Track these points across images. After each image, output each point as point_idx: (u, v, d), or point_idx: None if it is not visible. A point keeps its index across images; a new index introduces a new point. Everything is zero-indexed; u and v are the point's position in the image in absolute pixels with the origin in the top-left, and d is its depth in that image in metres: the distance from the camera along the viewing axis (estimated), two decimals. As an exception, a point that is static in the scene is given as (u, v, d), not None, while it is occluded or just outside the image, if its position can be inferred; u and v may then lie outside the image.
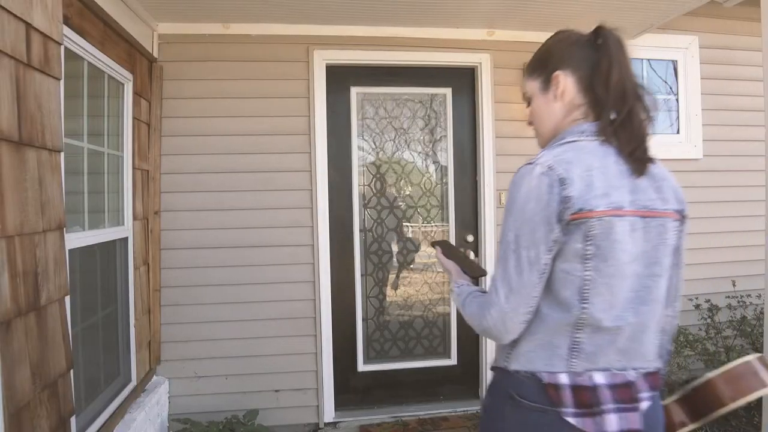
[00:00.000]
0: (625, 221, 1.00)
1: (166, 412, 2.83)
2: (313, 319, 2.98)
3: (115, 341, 2.43)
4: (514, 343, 1.07)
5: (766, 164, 2.05)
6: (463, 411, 3.08)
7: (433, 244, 1.46)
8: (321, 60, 3.00)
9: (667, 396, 1.21)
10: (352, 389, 3.13)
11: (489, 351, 3.12)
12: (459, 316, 3.22)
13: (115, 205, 2.47)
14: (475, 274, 1.27)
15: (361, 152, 3.17)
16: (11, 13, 1.44)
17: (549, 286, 1.03)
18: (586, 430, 0.99)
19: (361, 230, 3.17)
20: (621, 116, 1.07)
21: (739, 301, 3.19)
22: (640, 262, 1.03)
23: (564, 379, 1.02)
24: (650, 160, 1.06)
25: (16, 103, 1.47)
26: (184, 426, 2.67)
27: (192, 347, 2.89)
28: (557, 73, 1.18)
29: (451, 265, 1.31)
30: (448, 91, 3.21)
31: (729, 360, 3.05)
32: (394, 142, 3.23)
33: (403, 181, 3.22)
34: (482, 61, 3.13)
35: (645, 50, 3.36)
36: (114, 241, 2.40)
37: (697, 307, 3.22)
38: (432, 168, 3.26)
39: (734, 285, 3.25)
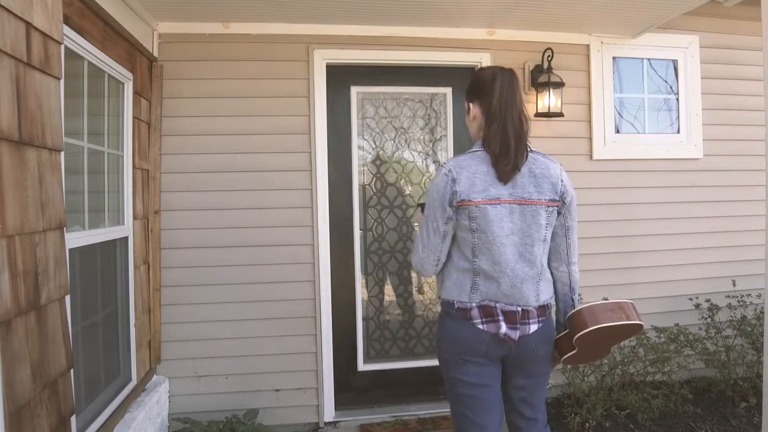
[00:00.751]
0: (501, 208, 1.54)
1: (167, 411, 2.83)
2: (313, 318, 2.98)
3: (116, 340, 2.43)
4: (442, 282, 1.69)
5: (767, 164, 2.05)
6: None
7: (419, 205, 1.81)
8: (321, 59, 3.00)
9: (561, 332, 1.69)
10: (353, 388, 3.13)
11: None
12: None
13: (115, 204, 2.47)
14: None
15: (361, 152, 3.17)
16: (11, 12, 1.44)
17: (458, 246, 1.63)
18: (491, 331, 1.58)
19: (361, 229, 3.17)
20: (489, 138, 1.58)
21: (739, 301, 3.18)
22: (518, 234, 1.56)
23: (473, 305, 1.60)
24: (514, 171, 1.54)
25: (16, 102, 1.47)
26: (185, 425, 2.68)
27: (192, 346, 2.89)
28: (468, 104, 1.70)
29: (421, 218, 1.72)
30: (448, 91, 3.21)
31: (729, 360, 3.07)
32: (395, 141, 3.23)
33: (403, 180, 3.22)
34: (482, 61, 3.13)
35: (645, 50, 3.36)
36: (114, 241, 2.40)
37: (697, 306, 3.22)
38: (432, 167, 3.26)
39: (734, 284, 3.25)
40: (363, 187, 3.17)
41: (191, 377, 2.89)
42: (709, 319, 3.14)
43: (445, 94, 3.22)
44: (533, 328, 1.61)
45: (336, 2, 2.68)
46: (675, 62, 3.42)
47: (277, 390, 2.95)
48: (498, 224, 1.54)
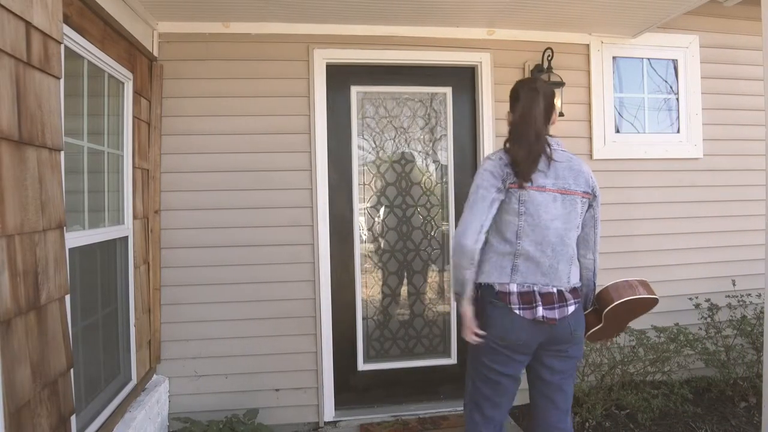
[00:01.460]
0: (547, 194, 1.75)
1: (167, 411, 2.83)
2: (313, 318, 2.98)
3: (116, 340, 2.43)
4: (480, 266, 1.78)
5: (767, 163, 2.05)
6: (464, 410, 3.08)
7: None
8: (321, 59, 3.00)
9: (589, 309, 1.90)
10: (352, 388, 3.13)
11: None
12: (459, 314, 3.21)
13: (115, 204, 2.47)
14: None
15: (361, 151, 3.17)
16: (11, 12, 1.44)
17: (498, 230, 1.77)
18: (527, 317, 1.72)
19: (360, 229, 3.17)
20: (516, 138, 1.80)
21: (739, 301, 3.19)
22: (560, 220, 1.76)
23: (513, 288, 1.74)
24: (536, 166, 1.75)
25: (16, 102, 1.47)
26: (185, 425, 2.68)
27: (192, 346, 2.89)
28: (508, 111, 1.92)
29: None
30: (448, 90, 3.21)
31: (729, 359, 3.07)
32: (395, 141, 3.23)
33: (403, 180, 3.22)
34: (482, 60, 3.13)
35: (645, 49, 3.36)
36: (114, 240, 2.40)
37: (697, 306, 3.22)
38: (432, 167, 3.26)
39: (734, 284, 3.25)
40: (363, 187, 3.17)
41: (191, 377, 2.89)
42: (708, 319, 3.14)
43: (445, 94, 3.22)
44: (571, 309, 1.77)
45: (336, 2, 2.68)
46: (675, 62, 3.42)
47: (277, 389, 2.95)
48: (544, 209, 1.74)
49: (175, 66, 2.89)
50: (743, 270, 3.35)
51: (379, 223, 3.21)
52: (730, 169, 3.44)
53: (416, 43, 3.08)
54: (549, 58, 3.05)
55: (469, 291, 1.76)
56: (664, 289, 3.33)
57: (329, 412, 3.01)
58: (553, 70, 3.04)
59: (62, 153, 1.75)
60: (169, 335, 2.88)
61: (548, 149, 1.78)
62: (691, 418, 2.91)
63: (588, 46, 3.26)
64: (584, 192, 1.81)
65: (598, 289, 1.86)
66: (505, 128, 3.10)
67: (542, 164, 1.75)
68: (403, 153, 3.23)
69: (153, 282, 2.79)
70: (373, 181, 3.19)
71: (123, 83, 2.49)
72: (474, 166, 3.20)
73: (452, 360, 3.22)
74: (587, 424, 2.79)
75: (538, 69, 3.12)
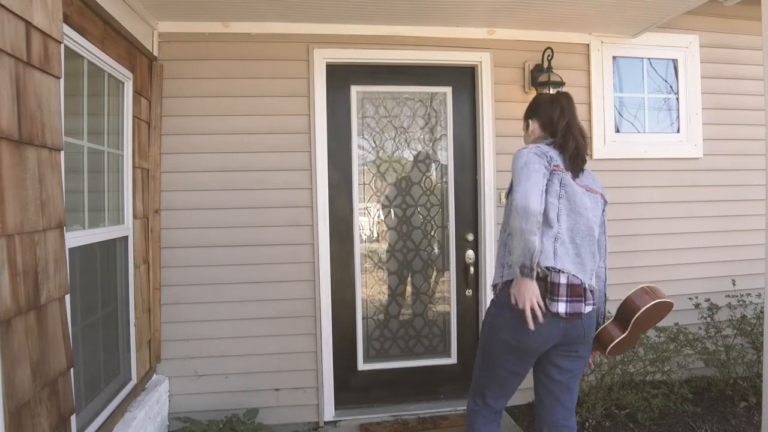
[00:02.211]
0: (578, 187, 1.80)
1: (167, 410, 2.83)
2: (313, 317, 2.98)
3: (115, 340, 2.44)
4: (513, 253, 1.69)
5: (767, 163, 2.05)
6: (464, 410, 3.05)
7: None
8: (321, 59, 3.00)
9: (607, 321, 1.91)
10: (352, 388, 3.13)
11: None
12: (459, 314, 3.22)
13: (115, 203, 2.47)
14: None
15: (361, 151, 3.17)
16: (11, 11, 1.44)
17: (544, 213, 1.72)
18: (551, 310, 1.70)
19: (360, 229, 3.17)
20: (560, 141, 1.86)
21: (739, 300, 3.19)
22: (591, 212, 1.81)
23: (565, 279, 1.71)
24: (583, 165, 1.84)
25: (16, 101, 1.47)
26: (185, 425, 2.68)
27: (192, 346, 2.89)
28: (529, 120, 2.02)
29: None
30: (448, 90, 3.21)
31: (729, 359, 3.07)
32: (394, 140, 3.23)
33: (403, 180, 3.22)
34: (482, 60, 3.13)
35: (645, 49, 3.36)
36: (114, 240, 2.40)
37: (697, 306, 3.22)
38: (432, 167, 3.26)
39: (734, 284, 3.25)
40: (363, 187, 3.17)
41: (191, 376, 2.89)
42: (708, 319, 3.14)
43: (445, 94, 3.21)
44: (588, 309, 1.77)
45: (336, 1, 2.68)
46: (675, 62, 3.42)
47: (277, 389, 2.95)
48: (580, 196, 1.80)
49: (175, 66, 2.89)
50: (743, 270, 3.35)
51: (379, 222, 3.21)
52: (730, 169, 3.44)
53: (416, 43, 3.08)
54: (549, 58, 3.05)
55: (536, 261, 1.64)
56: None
57: (329, 412, 3.01)
58: (553, 70, 3.04)
59: (62, 153, 1.75)
60: (169, 335, 2.88)
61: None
62: (691, 417, 2.91)
63: (588, 45, 3.25)
64: (601, 194, 1.89)
65: (615, 301, 1.88)
66: (505, 128, 3.16)
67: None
68: (403, 153, 3.23)
69: (153, 282, 2.79)
70: (373, 181, 3.19)
71: (123, 83, 2.49)
72: (474, 166, 3.20)
73: (452, 360, 3.22)
74: (587, 423, 2.79)
75: (538, 69, 3.12)
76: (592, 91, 3.26)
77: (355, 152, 3.13)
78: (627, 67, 3.39)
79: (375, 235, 3.22)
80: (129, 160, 2.54)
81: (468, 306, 3.22)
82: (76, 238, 1.97)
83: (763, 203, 2.20)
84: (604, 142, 3.27)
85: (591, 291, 1.79)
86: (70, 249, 1.84)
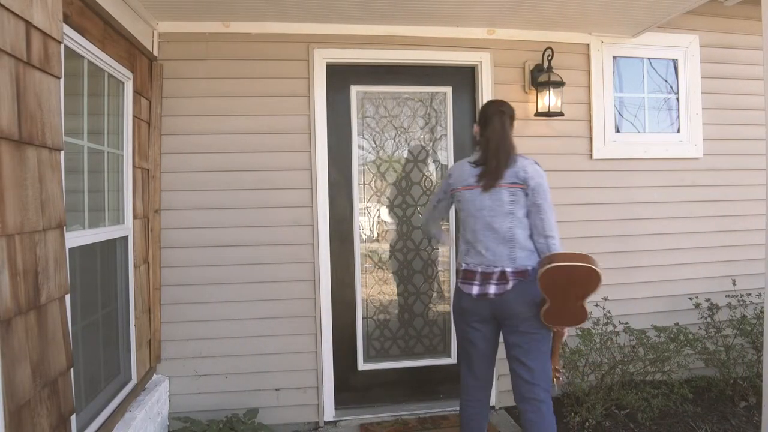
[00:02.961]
0: (474, 190, 2.09)
1: (167, 410, 2.83)
2: (314, 317, 2.98)
3: (116, 340, 2.44)
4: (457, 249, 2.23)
5: (767, 163, 2.05)
6: (463, 410, 3.08)
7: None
8: (321, 59, 3.00)
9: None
10: (352, 388, 3.13)
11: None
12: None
13: (115, 203, 2.47)
14: None
15: (361, 151, 3.17)
16: (11, 11, 1.44)
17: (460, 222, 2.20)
18: (465, 291, 2.11)
19: (361, 229, 3.17)
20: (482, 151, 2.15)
21: (739, 300, 3.18)
22: (487, 211, 2.06)
23: (461, 266, 2.16)
24: (497, 180, 2.05)
25: (16, 101, 1.47)
26: (185, 424, 2.68)
27: (192, 346, 2.89)
28: (474, 125, 2.28)
29: None
30: (448, 90, 3.21)
31: (729, 359, 3.07)
32: (395, 140, 3.23)
33: (403, 179, 3.22)
34: (482, 60, 3.13)
35: (645, 49, 3.36)
36: (114, 240, 2.40)
37: (697, 306, 3.22)
38: (432, 166, 3.26)
39: (734, 284, 3.25)
40: (363, 186, 3.17)
41: (191, 376, 2.89)
42: (708, 319, 3.14)
43: (445, 94, 3.21)
44: (509, 286, 2.01)
45: (336, 2, 2.68)
46: (675, 62, 3.42)
47: (277, 389, 2.95)
48: (469, 203, 2.11)
49: (175, 66, 2.89)
50: (743, 270, 3.35)
51: (379, 222, 3.21)
52: (730, 169, 3.44)
53: (416, 43, 3.08)
54: (549, 58, 3.05)
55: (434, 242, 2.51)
56: (664, 289, 3.35)
57: (329, 412, 3.01)
58: (553, 70, 3.04)
59: (62, 152, 1.74)
60: (169, 335, 2.88)
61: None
62: (691, 417, 2.91)
63: (588, 45, 3.25)
64: (511, 183, 2.04)
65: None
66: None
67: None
68: (403, 153, 3.23)
69: (153, 281, 2.79)
70: (373, 181, 3.19)
71: (123, 83, 2.49)
72: (474, 166, 3.20)
73: (452, 359, 3.22)
74: (587, 423, 2.79)
75: (538, 69, 3.12)
76: (592, 91, 3.26)
77: (355, 152, 3.13)
78: (627, 67, 3.39)
79: (375, 235, 3.22)
80: (129, 160, 2.54)
81: (468, 306, 3.21)
82: (76, 238, 1.97)
83: (763, 203, 2.20)
84: (604, 142, 3.27)
85: (514, 271, 2.01)
86: (70, 249, 1.84)
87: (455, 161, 3.21)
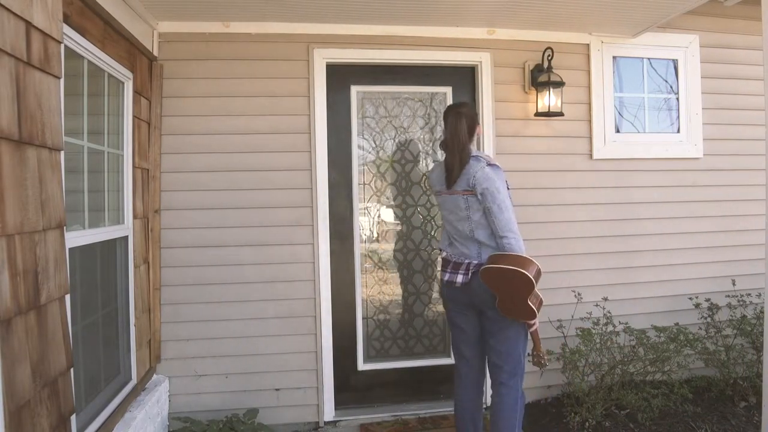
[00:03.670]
0: (444, 195, 2.31)
1: (167, 410, 2.83)
2: (313, 318, 2.98)
3: (116, 340, 2.44)
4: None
5: (767, 163, 2.05)
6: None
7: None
8: (321, 59, 3.00)
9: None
10: (352, 388, 3.13)
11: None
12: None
13: (115, 203, 2.47)
14: None
15: (361, 151, 3.17)
16: (11, 11, 1.44)
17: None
18: (441, 278, 2.35)
19: (361, 229, 3.17)
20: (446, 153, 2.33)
21: (739, 300, 3.18)
22: (453, 215, 2.27)
23: (441, 254, 2.38)
24: (452, 183, 2.24)
25: (16, 101, 1.47)
26: (185, 425, 2.68)
27: (192, 346, 2.89)
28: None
29: None
30: (448, 90, 3.21)
31: (729, 359, 3.07)
32: (395, 140, 3.23)
33: (403, 180, 3.22)
34: (482, 60, 3.13)
35: (645, 49, 3.36)
36: (114, 240, 2.40)
37: (697, 306, 3.22)
38: (432, 166, 3.25)
39: (734, 284, 3.25)
40: (363, 186, 3.17)
41: (191, 376, 2.89)
42: (708, 319, 3.14)
43: (445, 94, 3.21)
44: (470, 277, 2.20)
45: (336, 2, 2.68)
46: (675, 62, 3.42)
47: (277, 389, 2.95)
48: (443, 206, 2.36)
49: (175, 66, 2.89)
50: (743, 270, 3.35)
51: (379, 222, 3.21)
52: (730, 169, 3.44)
53: (416, 43, 3.08)
54: (549, 58, 3.05)
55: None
56: (665, 289, 3.35)
57: (329, 412, 3.01)
58: (553, 70, 3.04)
59: (62, 152, 1.74)
60: (169, 335, 2.88)
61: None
62: (691, 417, 2.91)
63: (588, 45, 3.26)
64: (464, 190, 2.19)
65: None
66: (505, 128, 3.16)
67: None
68: (403, 153, 3.23)
69: (153, 281, 2.79)
70: (373, 181, 3.19)
71: (123, 83, 2.49)
72: (474, 166, 3.20)
73: (452, 360, 3.20)
74: (587, 423, 2.79)
75: (538, 69, 3.12)
76: (592, 91, 3.26)
77: (355, 152, 3.13)
78: (627, 67, 3.39)
79: (375, 235, 3.22)
80: (129, 160, 2.54)
81: (468, 306, 3.21)
82: (76, 237, 1.97)
83: (763, 203, 2.20)
84: (604, 142, 3.27)
85: (467, 265, 2.21)
86: (70, 249, 1.84)
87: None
